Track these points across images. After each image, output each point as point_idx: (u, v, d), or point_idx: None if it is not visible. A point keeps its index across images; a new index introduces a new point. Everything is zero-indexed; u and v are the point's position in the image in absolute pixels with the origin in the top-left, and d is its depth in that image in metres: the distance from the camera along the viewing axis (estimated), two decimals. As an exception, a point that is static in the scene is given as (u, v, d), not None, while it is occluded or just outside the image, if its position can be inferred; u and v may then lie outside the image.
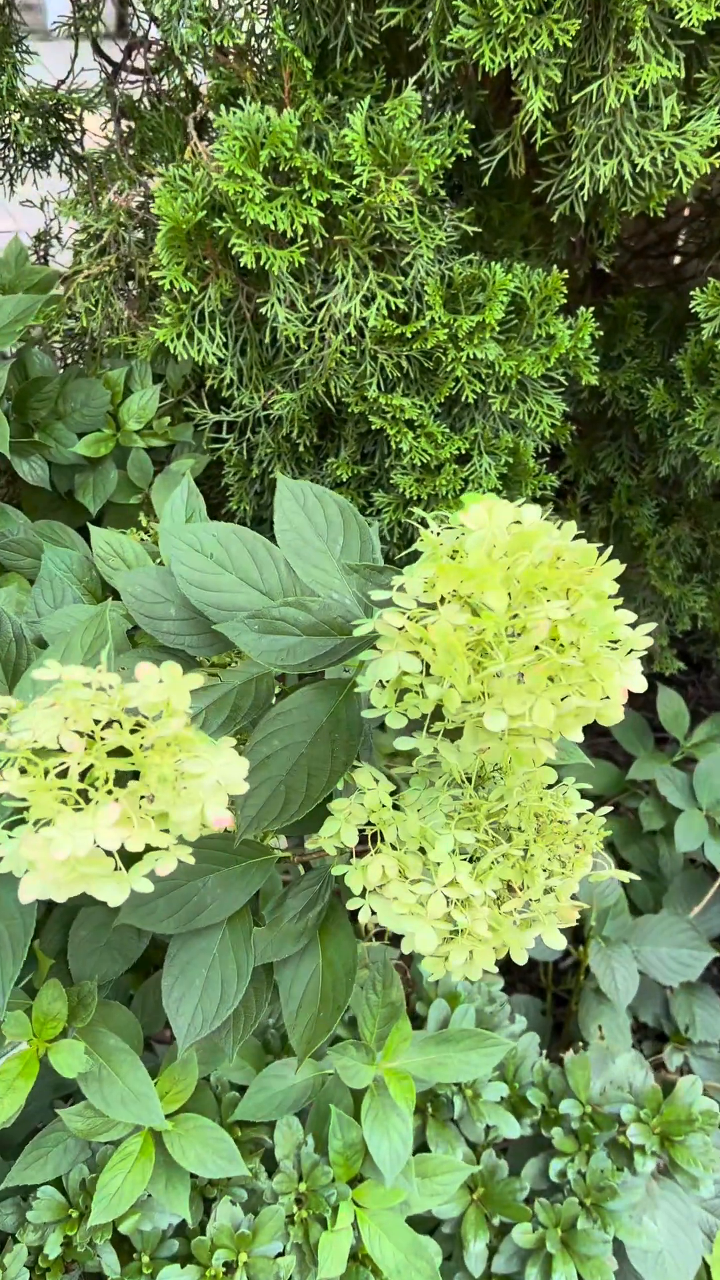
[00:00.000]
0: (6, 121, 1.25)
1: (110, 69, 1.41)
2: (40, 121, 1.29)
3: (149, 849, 0.59)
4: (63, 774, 0.57)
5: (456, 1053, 0.94)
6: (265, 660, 0.75)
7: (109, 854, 0.57)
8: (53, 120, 1.33)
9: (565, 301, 1.19)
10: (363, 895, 0.70)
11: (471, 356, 1.17)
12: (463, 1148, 1.02)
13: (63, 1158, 0.84)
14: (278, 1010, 0.84)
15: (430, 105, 1.16)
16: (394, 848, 0.70)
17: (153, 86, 1.37)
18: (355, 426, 1.27)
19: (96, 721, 0.57)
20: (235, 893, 0.80)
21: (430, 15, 1.03)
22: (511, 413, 1.24)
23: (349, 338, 1.15)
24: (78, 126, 1.37)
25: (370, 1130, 0.88)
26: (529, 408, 1.24)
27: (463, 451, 1.25)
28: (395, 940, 1.11)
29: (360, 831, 0.73)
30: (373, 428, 1.22)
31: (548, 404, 1.24)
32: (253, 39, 1.12)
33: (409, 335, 1.15)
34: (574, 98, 1.02)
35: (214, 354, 1.11)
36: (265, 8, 1.10)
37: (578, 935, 1.45)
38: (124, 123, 1.34)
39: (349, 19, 1.10)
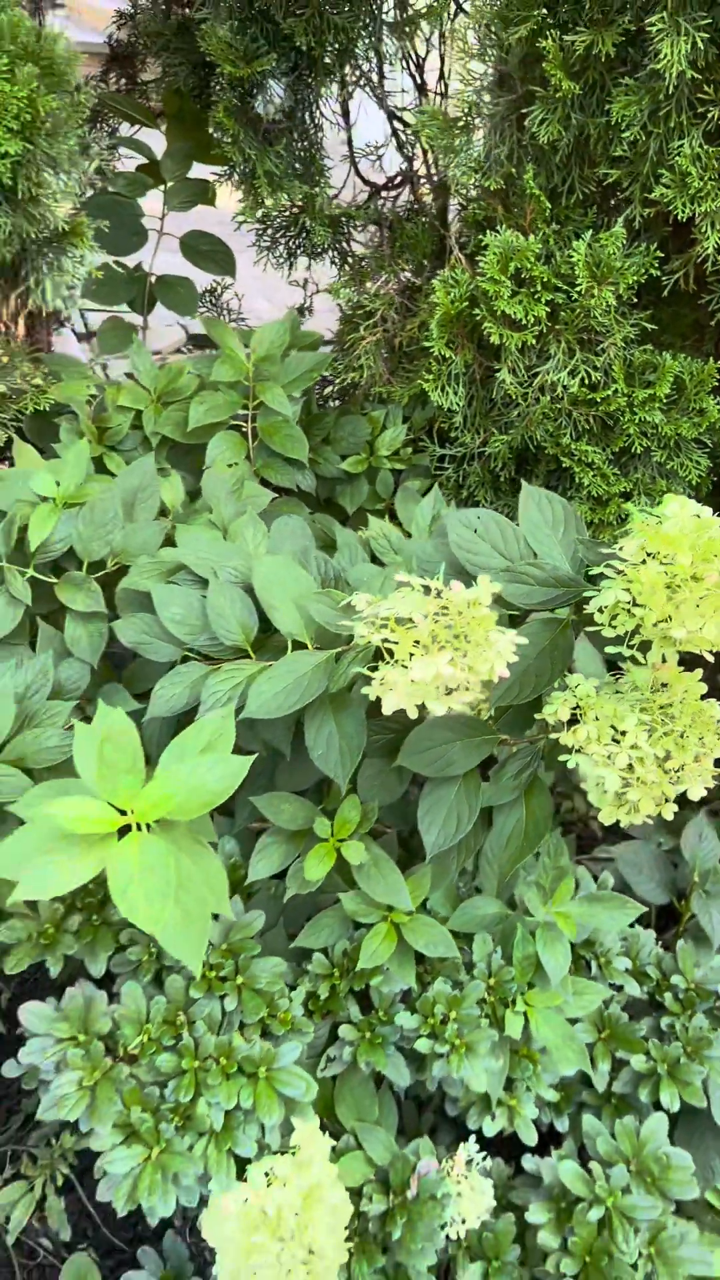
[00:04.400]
0: (307, 225, 1.70)
1: (371, 189, 1.88)
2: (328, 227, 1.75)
3: (456, 690, 0.98)
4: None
5: (603, 909, 1.30)
6: (511, 598, 1.14)
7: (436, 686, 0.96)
8: (335, 227, 1.78)
9: (716, 384, 1.58)
10: (569, 752, 1.08)
11: (642, 419, 1.56)
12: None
13: (332, 932, 1.23)
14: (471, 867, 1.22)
15: (629, 236, 1.57)
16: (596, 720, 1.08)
17: (407, 205, 1.82)
18: (546, 465, 1.67)
19: (440, 612, 0.98)
20: (472, 756, 1.18)
21: (639, 176, 1.45)
22: (668, 465, 1.63)
23: (554, 398, 1.55)
24: (350, 231, 1.82)
25: (542, 948, 1.24)
26: (681, 461, 1.62)
27: (625, 491, 1.64)
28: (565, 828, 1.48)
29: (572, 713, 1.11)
30: (562, 466, 1.62)
31: (696, 459, 1.63)
32: (505, 183, 1.55)
33: (597, 400, 1.55)
34: (740, 241, 1.42)
35: (456, 404, 1.53)
36: (517, 161, 1.53)
37: (681, 892, 1.78)
38: (384, 230, 1.79)
39: (574, 174, 1.53)
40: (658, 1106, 1.34)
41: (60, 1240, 1.52)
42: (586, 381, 1.54)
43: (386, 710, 0.98)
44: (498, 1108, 1.25)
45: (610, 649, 1.06)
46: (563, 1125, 1.35)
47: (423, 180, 1.78)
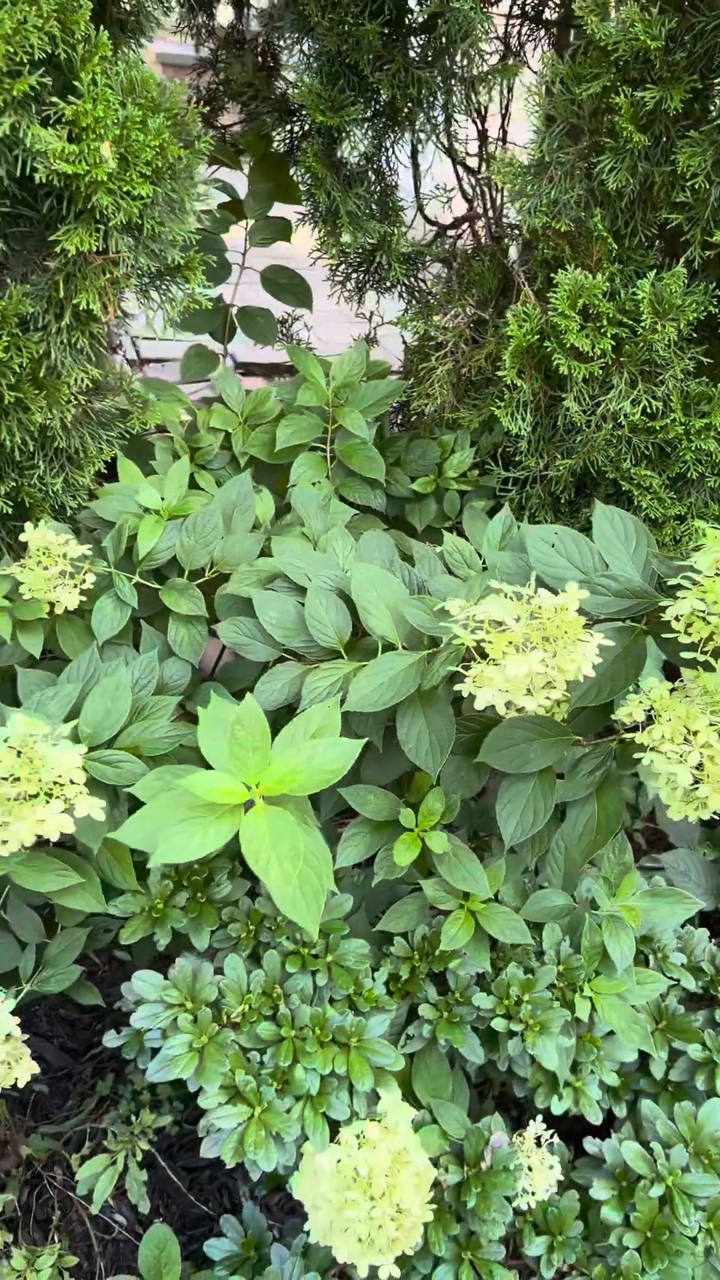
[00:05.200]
0: (383, 261, 1.82)
1: (437, 230, 1.99)
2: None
3: (546, 685, 1.08)
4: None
5: (665, 903, 1.38)
6: (588, 607, 1.23)
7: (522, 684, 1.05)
8: (406, 264, 1.90)
9: (769, 414, 1.67)
10: (644, 751, 1.16)
11: (698, 447, 1.66)
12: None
13: (411, 918, 1.31)
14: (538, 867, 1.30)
15: (688, 276, 1.67)
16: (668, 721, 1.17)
17: (472, 244, 1.93)
18: (604, 488, 1.77)
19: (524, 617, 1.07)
20: (548, 754, 1.27)
21: (699, 220, 1.55)
22: (721, 490, 1.72)
23: (615, 426, 1.65)
24: (422, 267, 1.94)
25: (608, 937, 1.32)
26: (734, 492, 1.72)
27: (680, 514, 1.73)
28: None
29: (646, 715, 1.20)
30: (620, 489, 1.72)
31: (748, 486, 1.72)
32: (574, 225, 1.66)
33: (656, 428, 1.65)
34: None
35: (524, 429, 1.63)
36: (585, 206, 1.64)
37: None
38: (452, 268, 1.90)
39: (637, 217, 1.64)
40: (710, 1094, 1.41)
41: (139, 1214, 1.60)
42: (647, 410, 1.64)
43: (478, 705, 1.07)
44: (564, 1089, 1.33)
45: (685, 654, 1.15)
46: (620, 1111, 1.43)
47: (487, 221, 1.90)
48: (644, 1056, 1.45)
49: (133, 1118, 1.59)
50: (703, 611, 1.11)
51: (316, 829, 1.05)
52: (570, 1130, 1.46)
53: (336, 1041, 1.18)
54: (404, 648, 1.26)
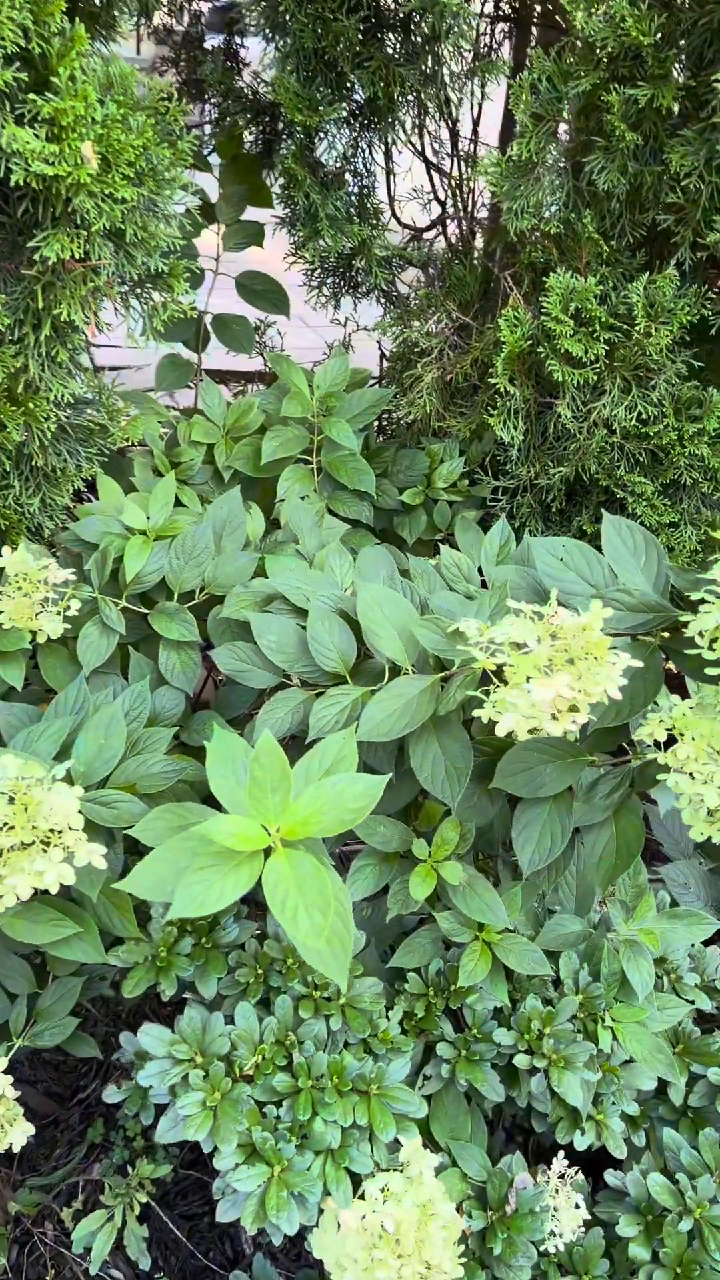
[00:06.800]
0: (362, 265, 1.76)
1: (412, 233, 1.94)
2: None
3: (570, 710, 1.02)
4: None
5: (682, 924, 1.33)
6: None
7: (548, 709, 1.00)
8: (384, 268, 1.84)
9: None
10: (666, 771, 1.12)
11: (691, 453, 1.62)
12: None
13: (425, 952, 1.26)
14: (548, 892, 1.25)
15: (679, 278, 1.64)
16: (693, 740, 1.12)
17: (453, 247, 1.88)
18: (596, 496, 1.73)
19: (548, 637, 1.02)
20: (564, 777, 1.22)
21: (690, 221, 1.52)
22: (714, 495, 1.69)
23: (608, 432, 1.61)
24: (396, 272, 1.88)
25: (627, 963, 1.28)
26: (727, 492, 1.69)
27: (674, 521, 1.70)
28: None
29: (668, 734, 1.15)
30: (612, 497, 1.68)
31: (741, 490, 1.69)
32: (563, 226, 1.61)
33: (650, 434, 1.61)
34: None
35: (517, 438, 1.58)
36: (573, 207, 1.59)
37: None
38: (435, 271, 1.85)
39: (625, 219, 1.60)
40: (732, 1120, 1.38)
41: (138, 1269, 1.52)
42: (640, 416, 1.60)
43: (499, 732, 1.02)
44: (587, 1122, 1.28)
45: (710, 670, 1.11)
46: (639, 1139, 1.38)
47: (470, 223, 1.85)
48: (662, 1082, 1.41)
49: (129, 1167, 1.52)
50: (728, 627, 1.07)
51: (333, 868, 0.99)
52: (586, 1159, 1.41)
53: (356, 1090, 1.12)
54: (413, 670, 1.20)
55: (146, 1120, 1.20)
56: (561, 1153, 1.29)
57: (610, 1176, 1.33)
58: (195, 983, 1.14)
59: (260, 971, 1.17)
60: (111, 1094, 1.22)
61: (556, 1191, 1.23)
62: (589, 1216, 1.26)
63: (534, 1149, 1.52)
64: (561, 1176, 1.25)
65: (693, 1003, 1.42)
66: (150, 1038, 1.09)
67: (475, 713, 1.06)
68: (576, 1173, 1.28)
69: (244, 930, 1.19)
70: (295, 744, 1.24)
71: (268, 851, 0.91)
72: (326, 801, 0.91)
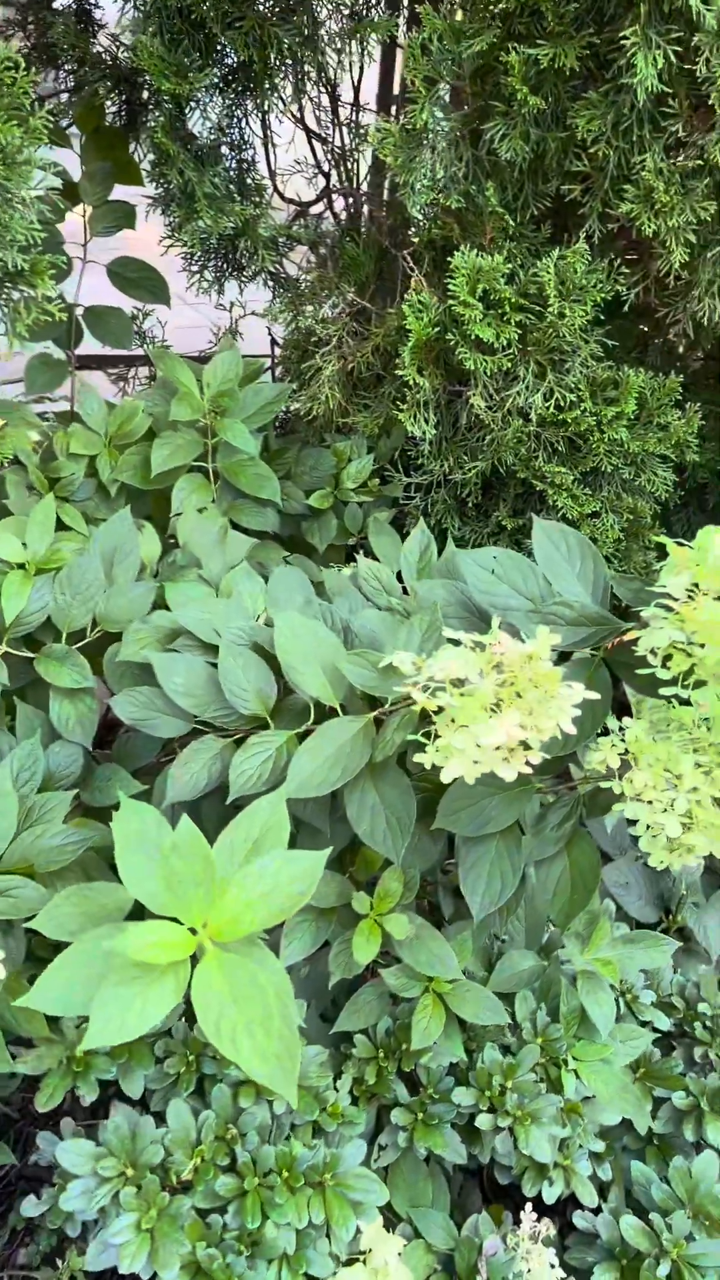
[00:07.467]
0: (246, 247, 1.61)
1: (297, 209, 1.79)
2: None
3: (522, 747, 0.92)
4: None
5: (641, 949, 1.26)
6: (543, 642, 1.08)
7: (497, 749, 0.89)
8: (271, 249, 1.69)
9: (677, 399, 1.56)
10: (621, 799, 1.03)
11: (610, 437, 1.53)
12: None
13: (372, 1011, 1.14)
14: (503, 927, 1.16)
15: (589, 252, 1.54)
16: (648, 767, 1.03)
17: (344, 224, 1.75)
18: (514, 488, 1.62)
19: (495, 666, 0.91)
20: (510, 810, 1.12)
21: (598, 191, 1.42)
22: (635, 481, 1.60)
23: (524, 420, 1.51)
24: (284, 253, 1.74)
25: (585, 997, 1.19)
26: (648, 477, 1.60)
27: (595, 510, 1.61)
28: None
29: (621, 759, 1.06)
30: (530, 489, 1.58)
31: (662, 474, 1.61)
32: (465, 200, 1.49)
33: (567, 420, 1.51)
34: (709, 255, 1.40)
35: (429, 432, 1.46)
36: (474, 178, 1.47)
37: (668, 908, 1.77)
38: (327, 251, 1.71)
39: (528, 190, 1.49)
40: (699, 1143, 1.31)
41: None
42: (556, 403, 1.50)
43: (445, 778, 0.91)
44: (554, 1170, 1.20)
45: (664, 690, 1.02)
46: (605, 1173, 1.30)
47: (357, 197, 1.71)
48: (625, 1110, 1.33)
49: (57, 1260, 1.38)
50: (682, 643, 0.97)
51: (271, 955, 0.86)
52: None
53: (309, 1182, 1.01)
54: (342, 708, 1.08)
55: (73, 1233, 1.06)
56: (530, 1204, 1.20)
57: (579, 1219, 1.25)
58: (119, 1082, 1.01)
59: (192, 1058, 1.04)
60: (30, 1206, 1.08)
61: (529, 1254, 1.14)
62: (563, 1275, 1.17)
63: (493, 1186, 1.44)
64: (533, 1236, 1.17)
65: (651, 1024, 1.35)
66: (70, 1154, 0.95)
67: (417, 758, 0.94)
68: (547, 1228, 1.19)
69: (169, 1014, 1.05)
70: (217, 796, 1.10)
71: (194, 955, 0.78)
72: (261, 890, 0.78)
